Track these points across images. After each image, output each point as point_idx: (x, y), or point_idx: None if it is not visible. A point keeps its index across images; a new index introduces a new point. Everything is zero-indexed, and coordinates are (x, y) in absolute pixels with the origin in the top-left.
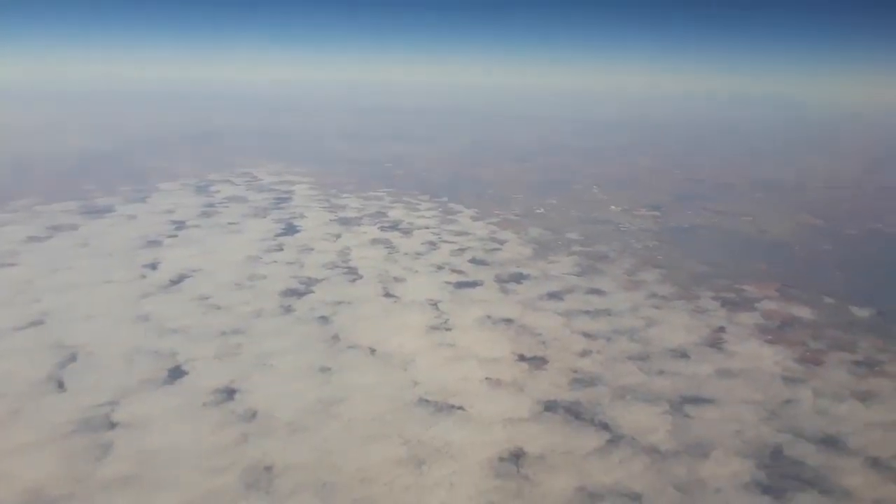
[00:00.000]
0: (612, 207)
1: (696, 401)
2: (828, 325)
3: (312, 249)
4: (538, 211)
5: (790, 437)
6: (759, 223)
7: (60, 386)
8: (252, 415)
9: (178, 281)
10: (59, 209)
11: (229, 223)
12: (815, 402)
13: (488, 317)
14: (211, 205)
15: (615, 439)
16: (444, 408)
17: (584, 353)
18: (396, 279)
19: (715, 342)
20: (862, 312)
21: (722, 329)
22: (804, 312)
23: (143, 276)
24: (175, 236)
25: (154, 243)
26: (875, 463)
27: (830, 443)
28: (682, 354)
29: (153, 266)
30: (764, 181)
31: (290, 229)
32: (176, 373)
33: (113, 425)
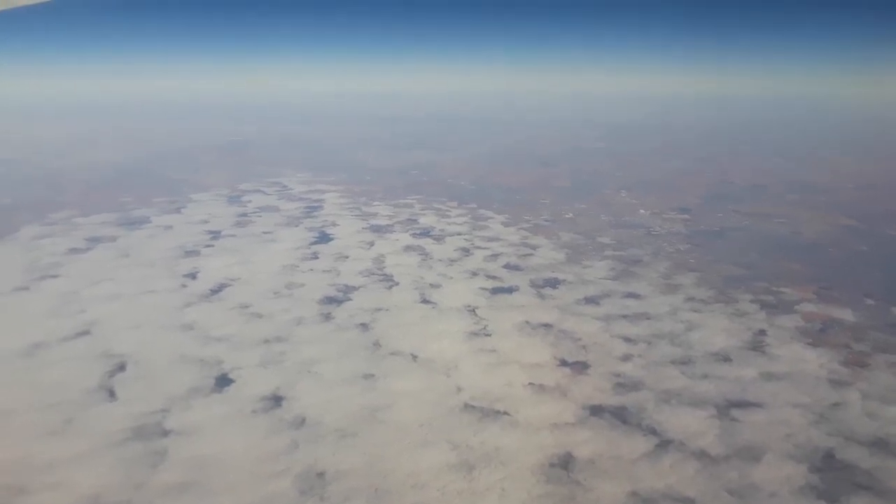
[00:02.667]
0: (642, 211)
1: (743, 405)
2: (870, 327)
3: (347, 257)
4: (567, 216)
5: (841, 440)
6: (792, 225)
7: (112, 395)
8: (301, 421)
9: (218, 290)
10: (97, 221)
11: (263, 232)
12: (864, 404)
13: (527, 322)
14: (244, 214)
15: (664, 444)
16: (490, 413)
17: (626, 358)
18: (432, 285)
19: (757, 345)
20: None
21: (763, 332)
22: (845, 314)
23: (184, 286)
24: (212, 246)
25: (192, 253)
26: None
27: (882, 445)
28: (725, 358)
29: (193, 275)
30: (794, 182)
31: (324, 237)
32: (223, 381)
33: (166, 433)
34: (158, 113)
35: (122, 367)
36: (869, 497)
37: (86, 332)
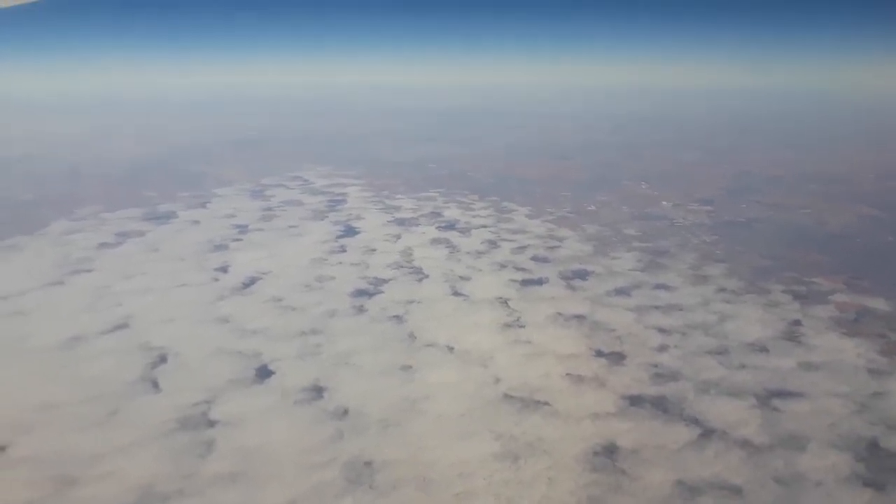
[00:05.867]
0: (664, 203)
1: (783, 394)
2: None
3: (375, 250)
4: (590, 208)
5: (884, 429)
6: (817, 215)
7: (155, 386)
8: (343, 412)
9: (249, 283)
10: (125, 216)
11: (290, 226)
12: None
13: (559, 314)
14: (269, 209)
15: (707, 433)
16: (530, 403)
17: (662, 349)
18: (462, 278)
19: (792, 335)
20: None
21: (798, 322)
22: (878, 304)
23: (216, 280)
24: (240, 240)
25: (221, 247)
26: None
27: None
28: (762, 348)
29: (224, 269)
30: (814, 173)
31: (350, 231)
32: (263, 372)
33: (212, 423)
34: (172, 109)
35: (163, 359)
36: None
37: (123, 326)
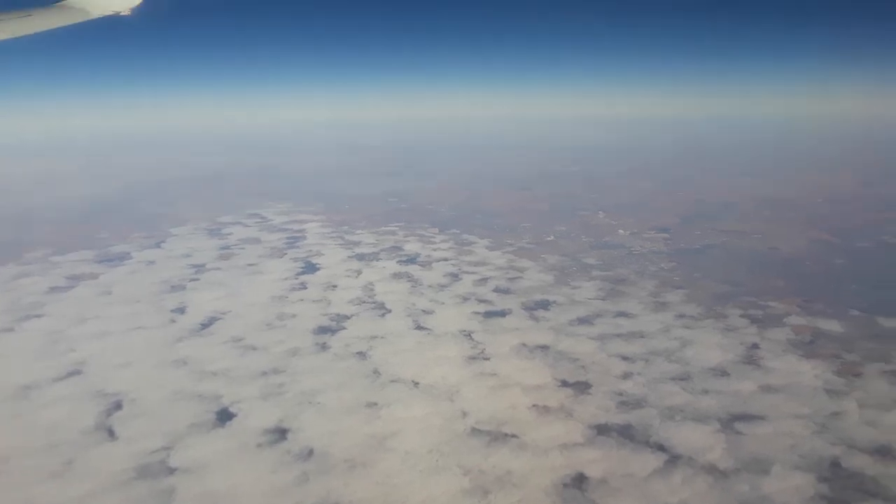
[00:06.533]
0: (621, 231)
1: (745, 418)
2: (858, 338)
3: (336, 286)
4: (549, 238)
5: (844, 448)
6: (769, 240)
7: (111, 434)
8: (308, 453)
9: (208, 324)
10: (76, 259)
11: (248, 264)
12: (862, 413)
13: (523, 344)
14: (227, 247)
15: (673, 459)
16: (498, 436)
17: (626, 376)
18: (425, 312)
19: (751, 359)
20: (890, 323)
21: (756, 346)
22: (832, 326)
23: (173, 321)
24: (197, 280)
25: (177, 288)
26: None
27: (885, 452)
28: (723, 373)
29: (181, 310)
30: (767, 199)
31: (310, 268)
32: (224, 415)
33: (172, 470)
34: (125, 148)
35: (118, 406)
36: None
37: (77, 372)
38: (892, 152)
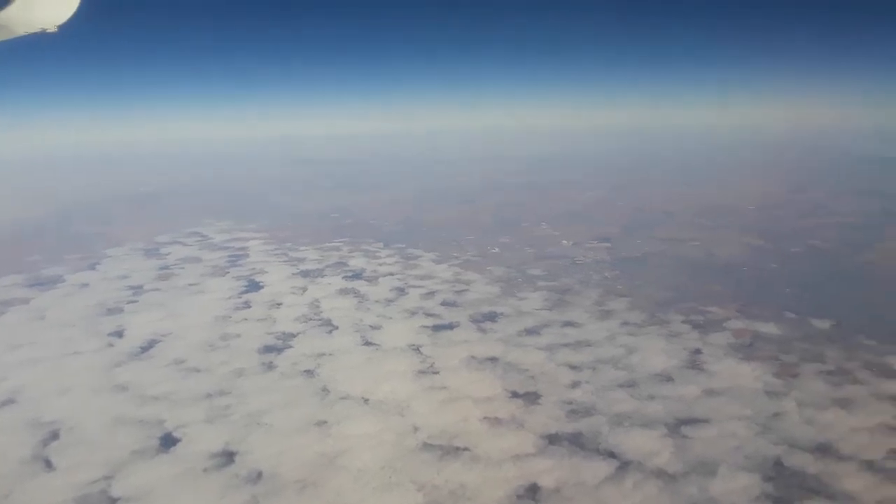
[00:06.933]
0: (564, 242)
1: (691, 421)
2: (794, 339)
3: (281, 304)
4: (494, 250)
5: (786, 448)
6: (706, 247)
7: (48, 465)
8: (257, 476)
9: (148, 347)
10: (5, 283)
11: (189, 284)
12: (801, 412)
13: (472, 357)
14: (165, 267)
15: (623, 465)
16: (450, 450)
17: (574, 385)
18: (373, 327)
19: (694, 364)
20: (822, 325)
21: (698, 351)
22: (770, 329)
23: (111, 345)
24: (135, 301)
25: (114, 310)
26: (870, 466)
27: (824, 450)
28: (667, 378)
29: (119, 334)
30: (703, 207)
31: (254, 286)
32: (168, 440)
33: (114, 501)
34: (56, 167)
35: (55, 435)
36: (821, 501)
37: (10, 401)
38: (820, 159)
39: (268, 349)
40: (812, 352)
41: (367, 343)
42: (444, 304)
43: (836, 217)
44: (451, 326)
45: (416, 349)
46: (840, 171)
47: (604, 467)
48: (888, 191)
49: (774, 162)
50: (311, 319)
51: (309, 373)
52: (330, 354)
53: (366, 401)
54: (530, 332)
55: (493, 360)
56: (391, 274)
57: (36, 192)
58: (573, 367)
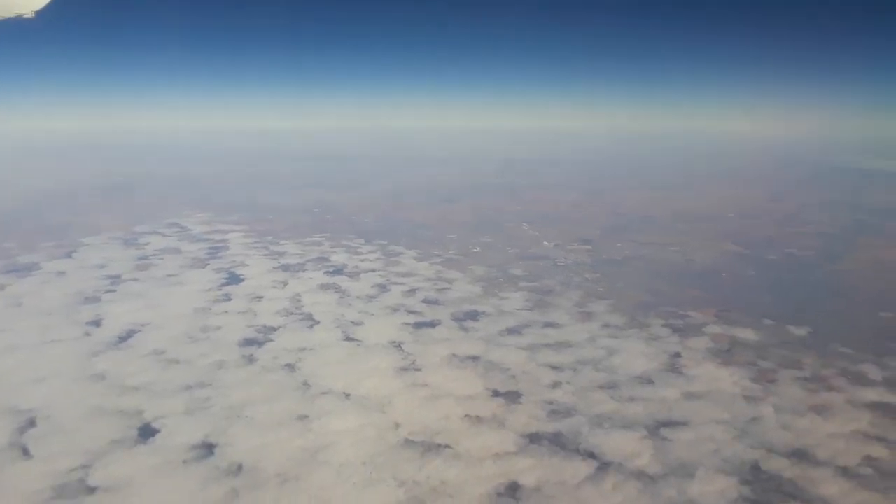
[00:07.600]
0: (545, 243)
1: (671, 424)
2: (772, 345)
3: (262, 297)
4: (475, 250)
5: (764, 452)
6: (685, 252)
7: (25, 453)
8: (237, 468)
9: (126, 337)
10: None
11: (168, 275)
12: (778, 417)
13: (454, 355)
14: (144, 257)
15: (603, 466)
16: (432, 447)
17: (555, 385)
18: (354, 323)
19: (674, 367)
20: (799, 331)
21: (678, 354)
22: (748, 334)
23: (89, 334)
24: (113, 291)
25: (92, 299)
26: (845, 472)
27: (801, 455)
28: (648, 381)
29: (97, 323)
30: (683, 213)
31: (234, 278)
32: (147, 431)
33: (91, 490)
34: (34, 154)
35: (32, 423)
36: None
37: None
38: (799, 169)
39: (248, 342)
40: (789, 358)
41: (349, 339)
42: (425, 301)
43: (813, 226)
44: (432, 324)
45: (398, 346)
46: (818, 181)
47: (584, 467)
48: (864, 201)
49: (754, 170)
50: (292, 314)
51: (290, 367)
52: (311, 349)
53: (347, 396)
54: (512, 331)
55: (474, 358)
56: (373, 270)
57: (11, 180)
58: (554, 368)
